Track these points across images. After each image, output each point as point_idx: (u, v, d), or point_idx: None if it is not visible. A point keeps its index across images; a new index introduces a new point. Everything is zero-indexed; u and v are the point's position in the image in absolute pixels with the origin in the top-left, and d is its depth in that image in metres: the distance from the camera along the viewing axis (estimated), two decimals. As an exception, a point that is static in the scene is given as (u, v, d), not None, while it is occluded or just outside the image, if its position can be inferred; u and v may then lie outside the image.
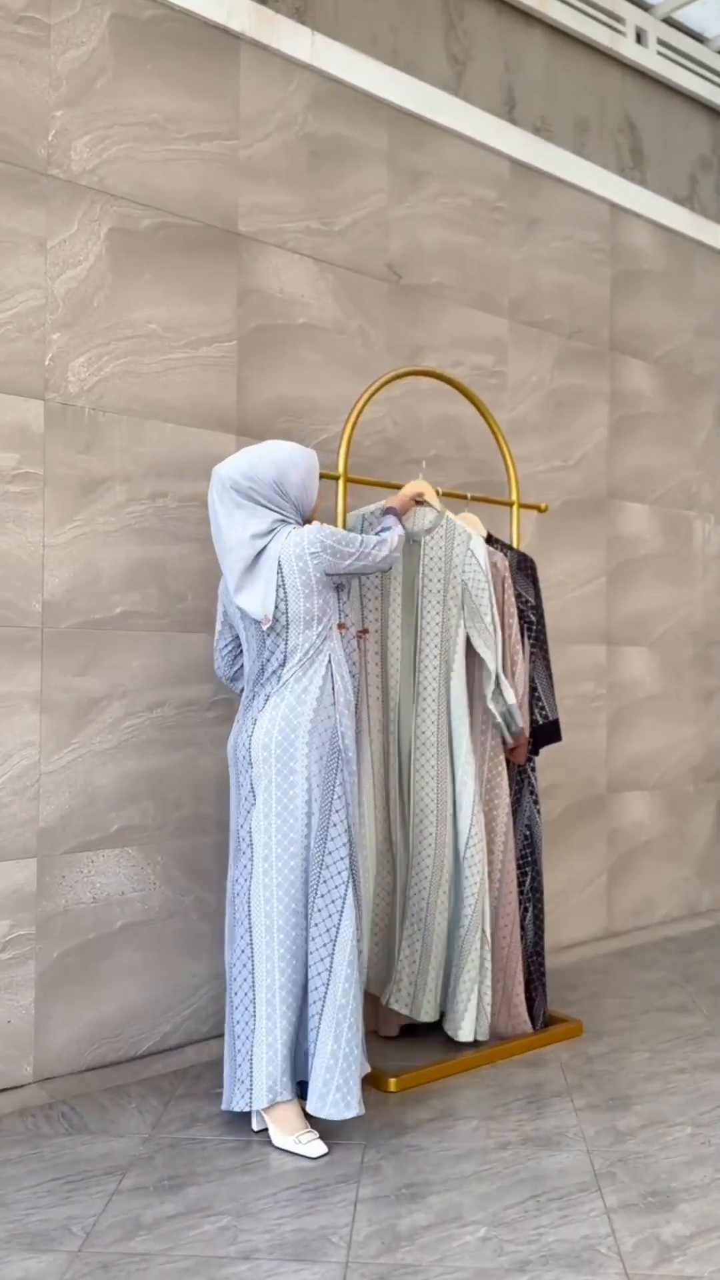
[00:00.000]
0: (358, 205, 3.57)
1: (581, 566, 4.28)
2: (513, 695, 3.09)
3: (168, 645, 3.08)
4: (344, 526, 3.01)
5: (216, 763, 3.16)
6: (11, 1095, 2.75)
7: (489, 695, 3.08)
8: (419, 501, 3.11)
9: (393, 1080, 2.86)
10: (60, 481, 2.89)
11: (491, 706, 3.09)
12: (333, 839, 2.55)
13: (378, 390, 3.11)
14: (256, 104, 3.30)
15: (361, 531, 3.05)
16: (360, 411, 3.06)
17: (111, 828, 2.97)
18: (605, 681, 4.37)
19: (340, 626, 2.65)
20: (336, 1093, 2.48)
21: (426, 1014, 3.06)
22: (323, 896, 2.53)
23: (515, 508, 3.42)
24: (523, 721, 3.14)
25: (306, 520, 2.66)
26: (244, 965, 2.56)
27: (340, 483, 3.00)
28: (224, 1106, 2.59)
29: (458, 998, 3.04)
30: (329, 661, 2.58)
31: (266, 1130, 2.58)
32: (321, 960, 2.53)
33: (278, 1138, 2.52)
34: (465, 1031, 3.02)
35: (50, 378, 2.88)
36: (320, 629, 2.57)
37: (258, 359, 3.30)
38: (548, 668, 3.29)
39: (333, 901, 2.53)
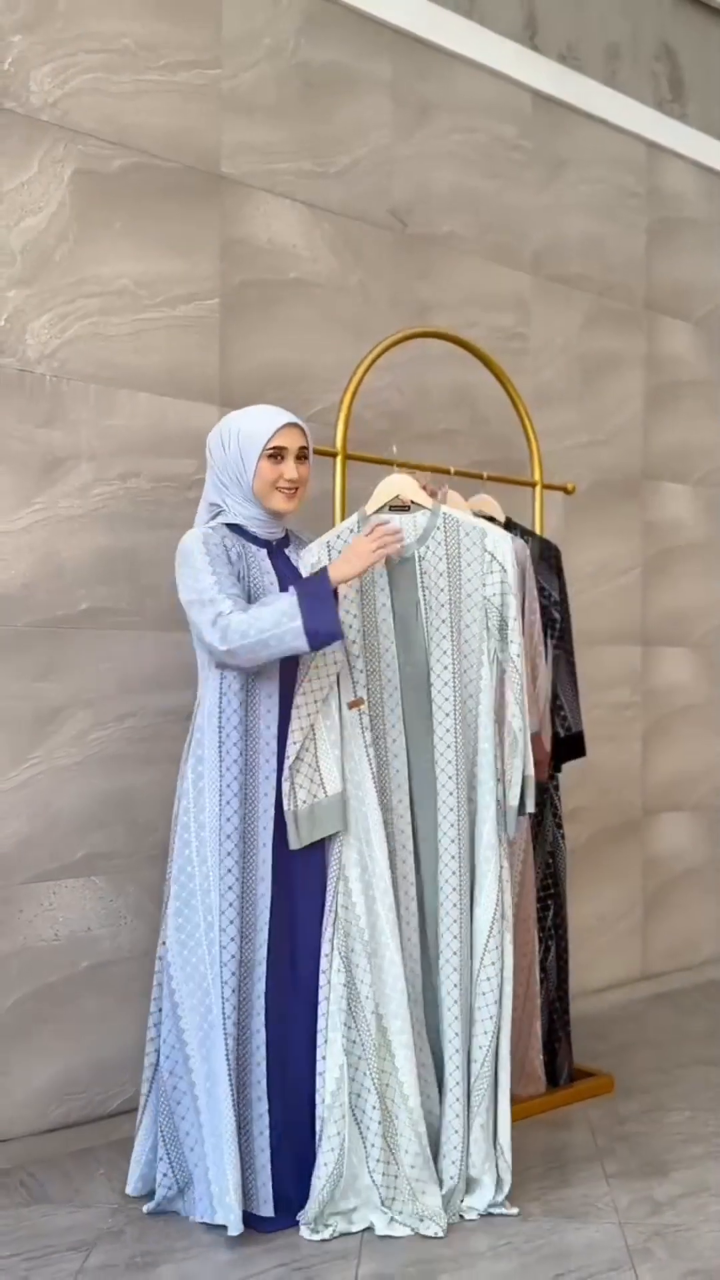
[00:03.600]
0: (357, 143, 3.57)
1: (613, 556, 4.29)
2: (522, 793, 2.69)
3: (140, 646, 3.09)
4: (344, 513, 2.99)
5: (196, 780, 3.17)
6: (-38, 1160, 2.76)
7: (501, 765, 2.67)
8: (395, 506, 2.72)
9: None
10: (17, 459, 2.90)
11: (497, 785, 2.66)
12: None
13: (380, 355, 3.12)
14: (241, 27, 3.31)
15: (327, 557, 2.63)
16: (361, 379, 3.06)
17: (76, 855, 2.98)
18: (640, 688, 4.38)
19: (354, 704, 2.56)
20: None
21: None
22: None
23: (538, 489, 3.43)
24: (547, 732, 3.13)
25: (263, 508, 2.58)
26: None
27: (338, 461, 3.00)
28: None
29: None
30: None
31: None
32: None
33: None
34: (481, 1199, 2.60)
35: (6, 341, 2.88)
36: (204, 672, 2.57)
37: (244, 319, 3.31)
38: (572, 672, 3.30)
39: None
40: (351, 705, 2.55)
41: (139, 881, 3.08)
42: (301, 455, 2.58)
